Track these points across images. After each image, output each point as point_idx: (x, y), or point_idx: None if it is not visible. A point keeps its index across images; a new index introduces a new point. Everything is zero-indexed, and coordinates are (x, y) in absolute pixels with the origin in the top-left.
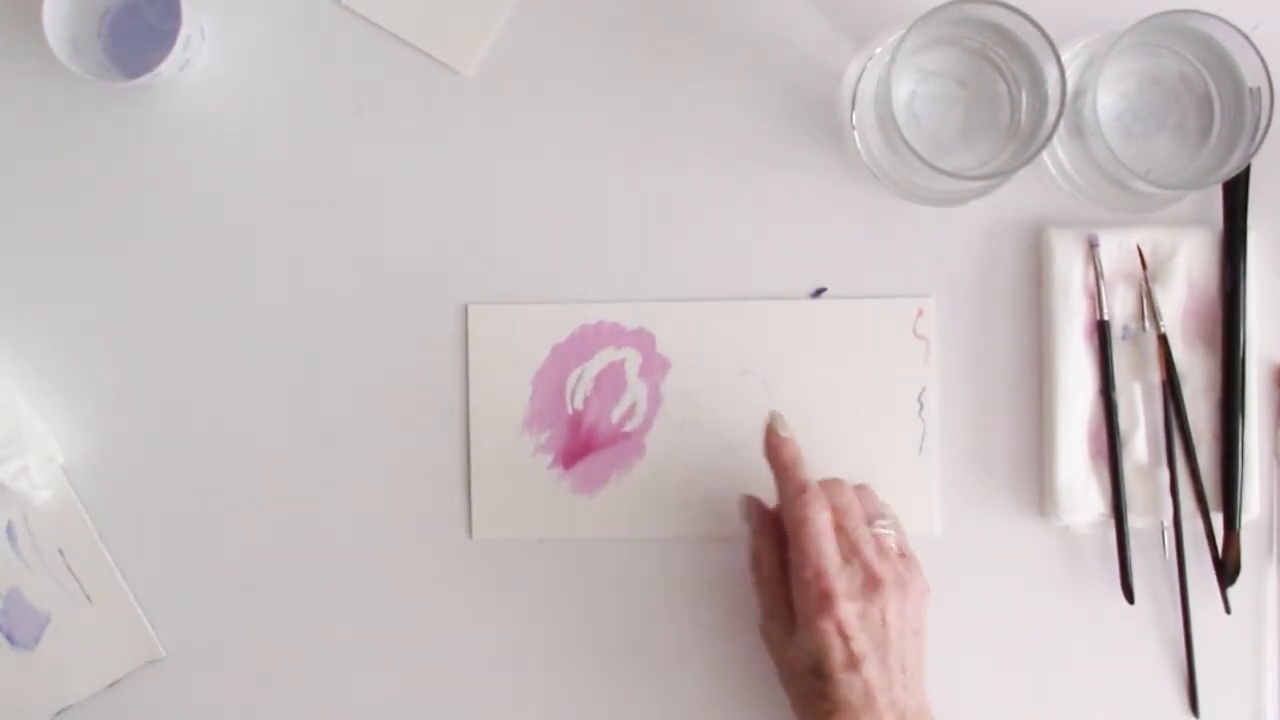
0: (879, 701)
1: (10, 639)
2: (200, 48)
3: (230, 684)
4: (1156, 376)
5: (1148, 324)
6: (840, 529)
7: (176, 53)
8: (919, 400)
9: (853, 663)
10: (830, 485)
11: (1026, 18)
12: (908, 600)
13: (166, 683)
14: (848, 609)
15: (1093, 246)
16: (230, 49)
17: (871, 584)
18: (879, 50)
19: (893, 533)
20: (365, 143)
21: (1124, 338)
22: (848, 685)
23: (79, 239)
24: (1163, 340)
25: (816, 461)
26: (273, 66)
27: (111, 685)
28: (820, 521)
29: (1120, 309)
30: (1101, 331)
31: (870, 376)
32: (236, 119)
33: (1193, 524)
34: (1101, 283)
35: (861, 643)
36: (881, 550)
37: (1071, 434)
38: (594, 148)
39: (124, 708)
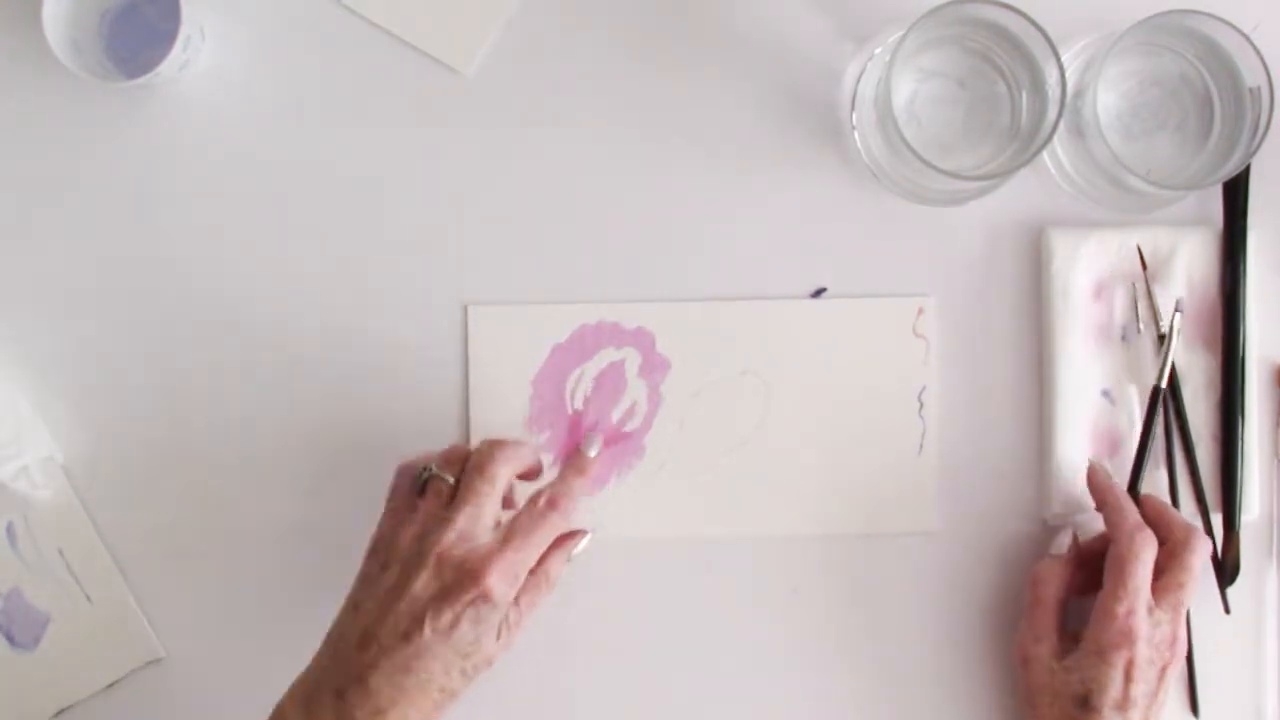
0: None
1: (10, 639)
2: (200, 48)
3: (230, 684)
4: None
5: (1146, 325)
6: (1181, 587)
7: (176, 53)
8: (919, 400)
9: (1124, 705)
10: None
11: (1026, 18)
12: (1170, 667)
13: (166, 683)
14: (1144, 653)
15: (1124, 340)
16: (230, 49)
17: (1171, 642)
18: (879, 50)
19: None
20: (365, 143)
21: (1124, 339)
22: None
23: (79, 239)
24: (1163, 341)
25: (817, 461)
26: (273, 66)
27: (111, 685)
28: (1150, 564)
29: (1120, 310)
30: (1154, 397)
31: (870, 376)
32: (237, 119)
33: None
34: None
35: (1140, 689)
36: (1181, 615)
37: (1071, 434)
38: (593, 148)
39: (124, 708)
